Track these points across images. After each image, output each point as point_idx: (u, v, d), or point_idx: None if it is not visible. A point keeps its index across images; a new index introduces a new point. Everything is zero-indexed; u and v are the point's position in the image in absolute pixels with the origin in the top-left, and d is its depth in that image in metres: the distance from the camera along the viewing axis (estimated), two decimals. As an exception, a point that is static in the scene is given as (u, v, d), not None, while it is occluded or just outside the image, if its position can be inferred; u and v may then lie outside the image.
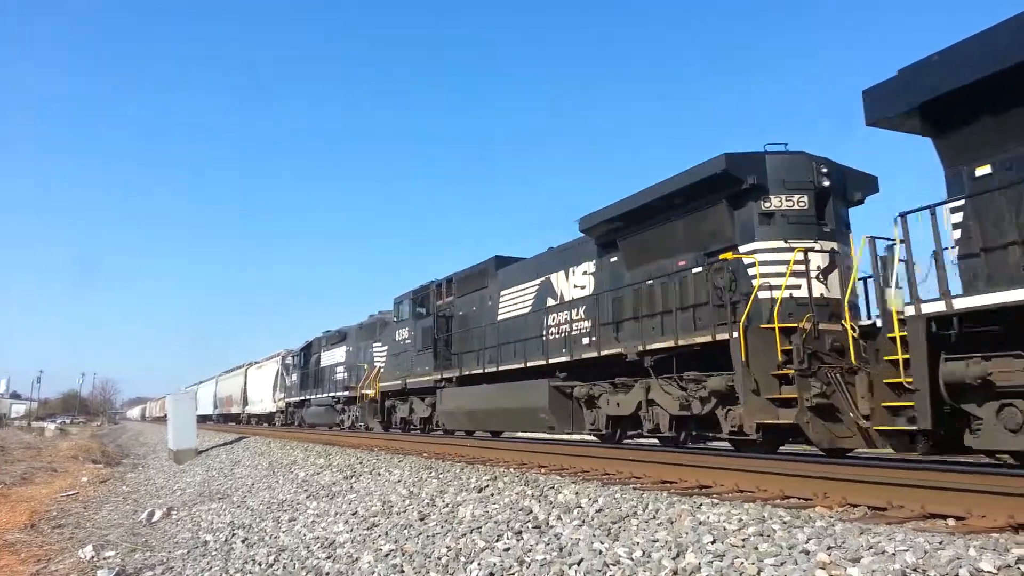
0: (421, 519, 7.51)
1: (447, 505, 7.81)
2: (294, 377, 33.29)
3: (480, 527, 6.53)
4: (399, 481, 10.00)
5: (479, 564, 5.56)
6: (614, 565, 4.76)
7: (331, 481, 11.67)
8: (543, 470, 9.11)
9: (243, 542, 9.22)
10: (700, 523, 5.18)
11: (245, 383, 45.56)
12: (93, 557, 9.79)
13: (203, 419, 58.88)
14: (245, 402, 44.94)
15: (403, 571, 6.03)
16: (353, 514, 8.75)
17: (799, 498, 6.09)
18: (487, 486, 8.21)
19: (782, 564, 4.10)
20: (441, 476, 9.59)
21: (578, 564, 4.94)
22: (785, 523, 4.86)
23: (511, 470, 9.28)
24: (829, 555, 4.04)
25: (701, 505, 5.70)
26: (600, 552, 5.05)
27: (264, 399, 39.61)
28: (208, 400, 56.91)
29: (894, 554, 3.87)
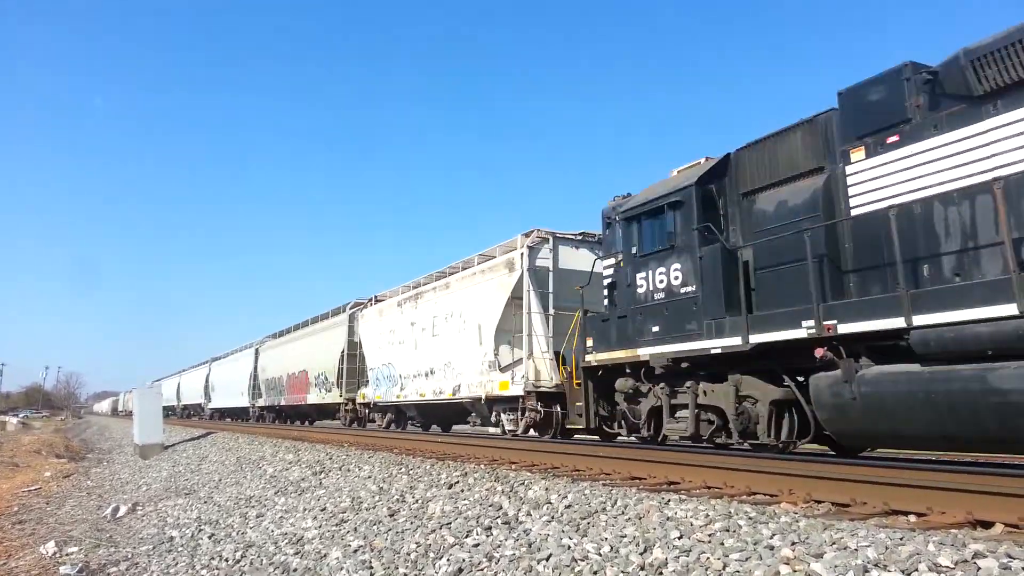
0: (390, 515, 7.49)
1: (417, 501, 7.79)
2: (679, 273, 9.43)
3: (450, 523, 6.52)
4: (369, 477, 9.96)
5: (448, 560, 5.56)
6: (582, 560, 4.79)
7: (300, 477, 11.59)
8: (513, 467, 9.13)
9: (210, 538, 9.13)
10: (668, 519, 5.23)
11: (351, 343, 22.85)
12: (56, 553, 9.63)
13: (225, 414, 40.92)
14: (357, 379, 22.66)
15: (372, 567, 6.01)
16: (322, 510, 8.70)
17: (765, 494, 6.18)
18: (457, 482, 8.21)
19: (747, 559, 4.15)
20: (411, 472, 9.57)
21: (547, 559, 4.97)
22: (751, 519, 4.92)
23: (481, 466, 9.28)
24: (793, 550, 4.10)
25: (669, 501, 5.75)
26: (569, 547, 5.07)
27: (461, 365, 16.05)
28: (235, 385, 37.32)
29: (856, 549, 3.94)
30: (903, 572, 3.59)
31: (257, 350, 34.12)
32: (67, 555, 9.55)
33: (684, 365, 9.15)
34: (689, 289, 9.19)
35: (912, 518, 4.92)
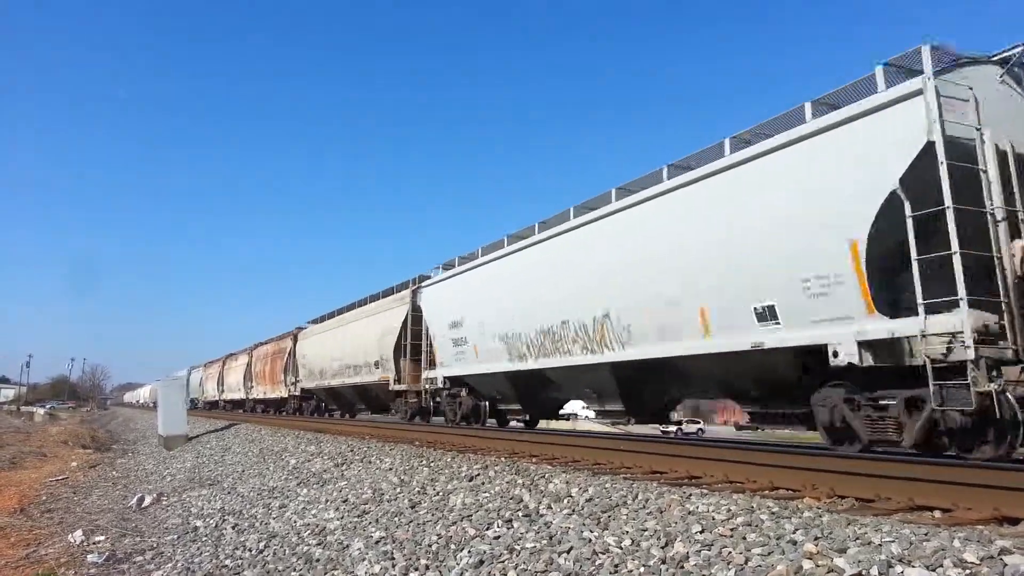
0: (412, 507, 7.54)
1: (438, 493, 7.84)
2: None
3: (471, 515, 6.56)
4: (390, 469, 10.03)
5: (469, 551, 5.59)
6: (603, 553, 4.80)
7: (322, 468, 11.69)
8: (534, 460, 9.15)
9: (233, 528, 9.24)
10: (689, 513, 5.22)
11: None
12: (83, 542, 9.79)
13: (329, 405, 27.86)
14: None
15: (393, 558, 6.06)
16: (344, 501, 8.77)
17: (788, 489, 6.14)
18: (478, 475, 8.25)
19: (769, 554, 4.14)
20: (432, 464, 9.62)
21: (567, 552, 4.98)
22: (773, 513, 4.90)
23: (502, 459, 9.31)
24: (816, 545, 4.08)
25: (691, 495, 5.74)
26: (590, 540, 5.08)
27: None
28: (355, 357, 22.67)
29: (880, 545, 3.91)
30: (928, 568, 3.57)
31: (415, 292, 18.95)
32: (94, 543, 9.71)
33: None
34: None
35: (937, 514, 4.88)
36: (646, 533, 4.97)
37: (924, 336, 6.51)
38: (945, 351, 6.37)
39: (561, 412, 16.02)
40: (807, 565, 3.86)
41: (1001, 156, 6.80)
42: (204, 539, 9.05)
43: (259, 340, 38.33)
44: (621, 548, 4.80)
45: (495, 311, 14.29)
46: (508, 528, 5.93)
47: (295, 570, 6.71)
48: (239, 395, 40.80)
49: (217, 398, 47.12)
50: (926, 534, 4.01)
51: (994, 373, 6.23)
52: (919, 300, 6.56)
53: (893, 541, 3.92)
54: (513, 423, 16.52)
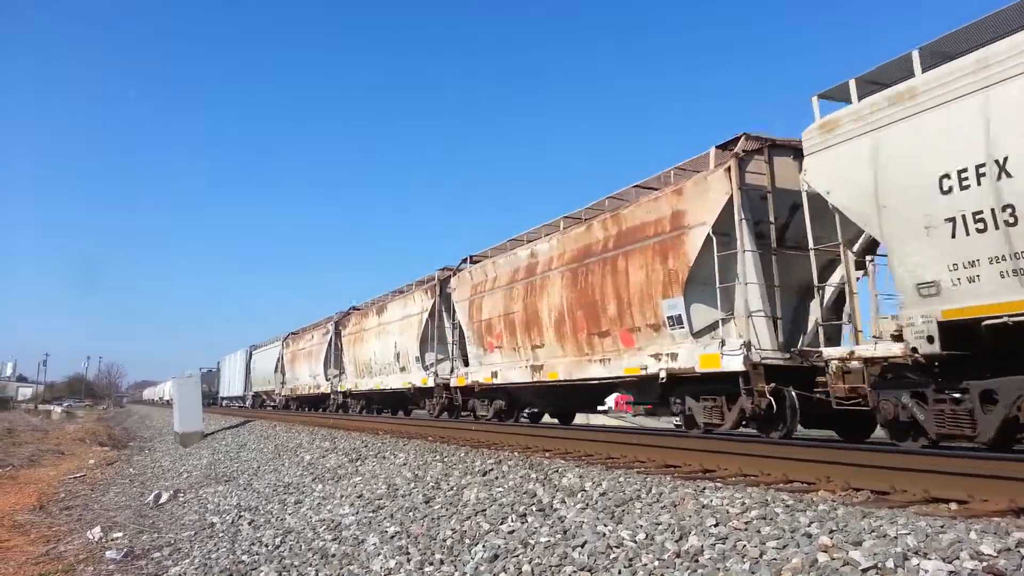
0: (426, 502, 7.57)
1: (452, 488, 7.87)
2: None
3: (485, 510, 6.58)
4: (404, 464, 10.07)
5: (484, 546, 5.61)
6: (617, 547, 4.80)
7: (337, 464, 11.75)
8: (547, 454, 9.16)
9: (250, 524, 9.30)
10: (703, 506, 5.22)
11: None
12: (102, 538, 9.89)
13: None
14: None
15: (408, 553, 6.09)
16: (359, 497, 8.82)
17: (802, 482, 6.13)
18: (491, 469, 8.27)
19: (784, 547, 4.14)
20: (446, 459, 9.65)
21: (582, 546, 4.99)
22: (788, 507, 4.89)
23: (515, 454, 9.33)
24: (831, 538, 4.07)
25: (704, 489, 5.74)
26: (604, 535, 5.09)
27: None
28: None
29: (896, 537, 3.90)
30: (944, 560, 3.55)
31: None
32: (112, 540, 9.81)
33: None
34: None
35: (953, 506, 4.86)
36: (660, 527, 4.97)
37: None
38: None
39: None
40: (822, 558, 3.86)
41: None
42: (221, 535, 9.12)
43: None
44: (635, 542, 4.81)
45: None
46: (522, 523, 5.95)
47: (311, 565, 6.75)
48: (402, 381, 21.02)
49: (327, 388, 28.02)
50: (942, 526, 3.99)
51: None
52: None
53: (909, 533, 3.90)
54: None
